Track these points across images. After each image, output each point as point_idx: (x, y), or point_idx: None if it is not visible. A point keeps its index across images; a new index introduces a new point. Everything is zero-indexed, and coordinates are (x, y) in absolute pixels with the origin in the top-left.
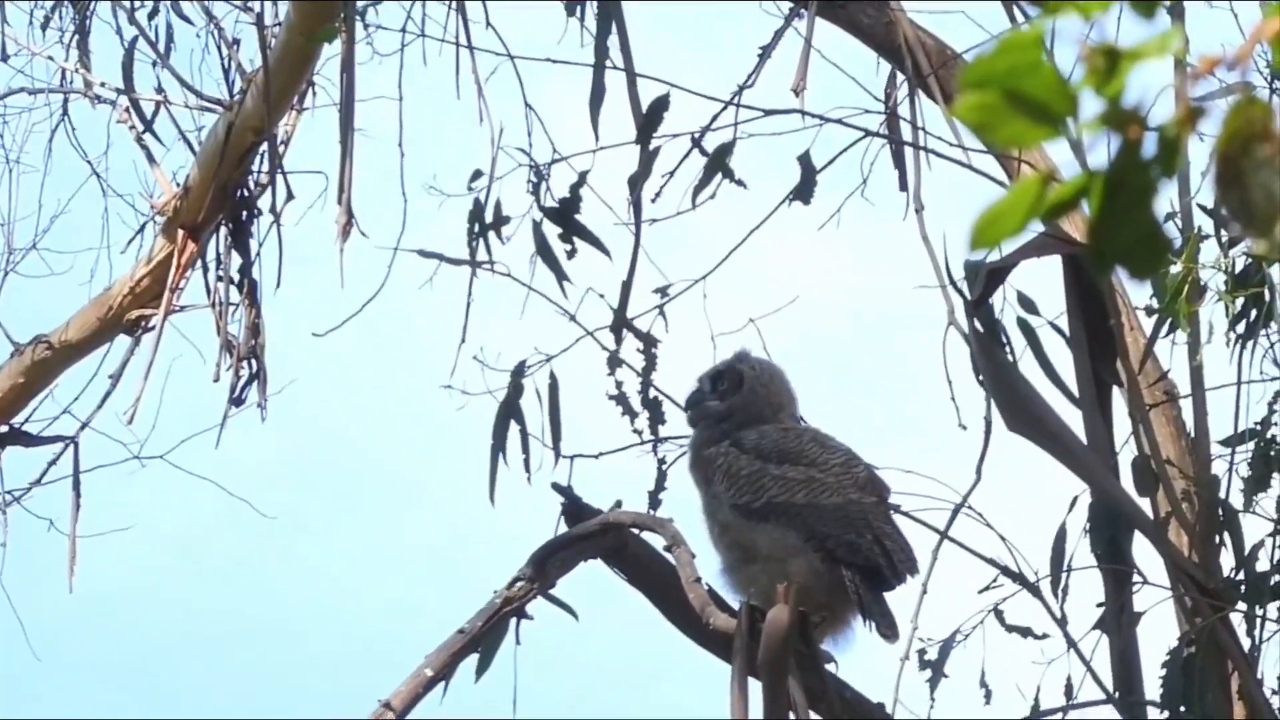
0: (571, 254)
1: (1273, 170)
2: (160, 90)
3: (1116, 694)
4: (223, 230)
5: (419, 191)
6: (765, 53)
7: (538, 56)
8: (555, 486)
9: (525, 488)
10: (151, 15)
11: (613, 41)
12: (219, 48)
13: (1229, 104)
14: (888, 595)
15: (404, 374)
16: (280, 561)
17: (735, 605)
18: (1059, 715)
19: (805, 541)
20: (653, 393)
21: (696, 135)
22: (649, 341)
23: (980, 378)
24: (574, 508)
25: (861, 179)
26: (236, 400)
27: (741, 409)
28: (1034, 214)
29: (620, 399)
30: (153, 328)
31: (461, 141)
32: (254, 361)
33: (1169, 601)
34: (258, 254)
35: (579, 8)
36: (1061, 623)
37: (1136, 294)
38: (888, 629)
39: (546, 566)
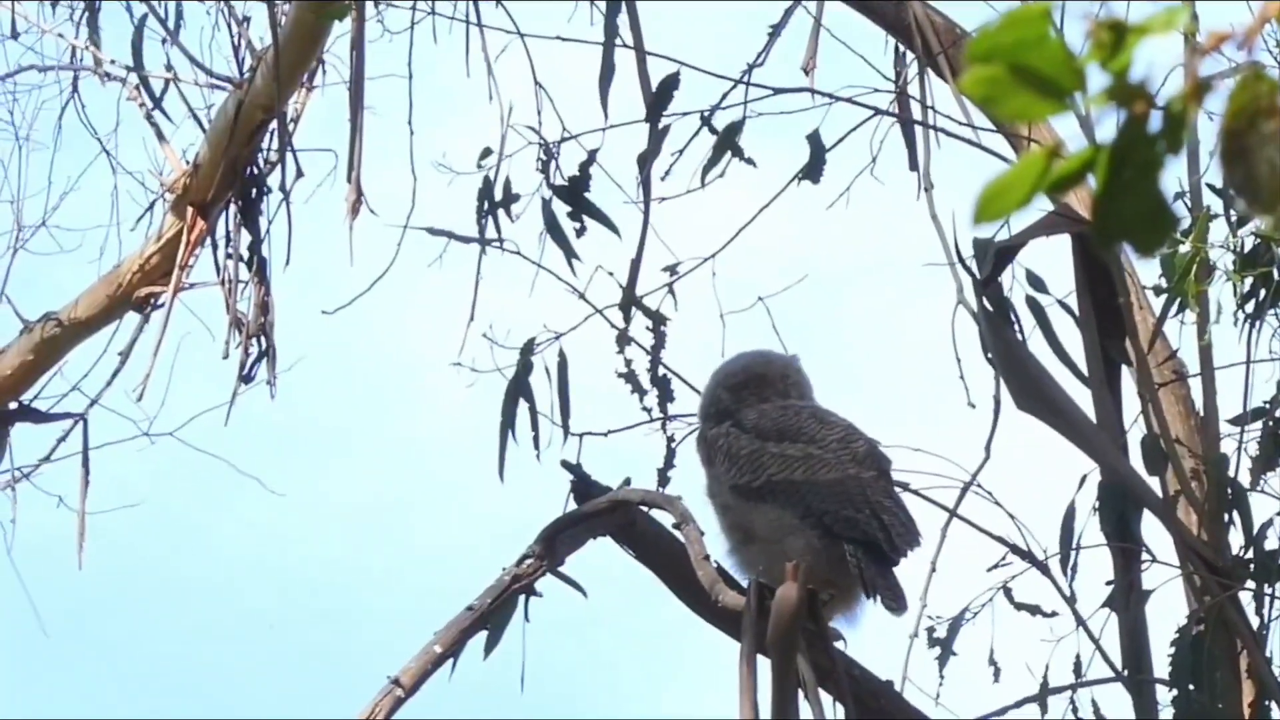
0: (581, 232)
1: (1278, 146)
2: (170, 68)
3: (1125, 672)
4: (232, 208)
5: (428, 169)
6: (775, 31)
7: (547, 34)
8: (565, 464)
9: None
10: None
11: (622, 20)
12: (229, 25)
13: (1235, 79)
14: (896, 570)
15: (413, 350)
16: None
17: (744, 583)
18: (1068, 692)
19: (802, 519)
20: (662, 371)
21: (706, 114)
22: (658, 319)
23: (989, 356)
24: (583, 485)
25: (871, 158)
26: (246, 377)
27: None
28: (1039, 188)
29: (629, 377)
30: (162, 305)
31: (471, 119)
32: (263, 339)
33: (1178, 580)
34: (267, 231)
35: None
36: (1070, 601)
37: (1145, 273)
38: (893, 601)
39: (555, 544)
